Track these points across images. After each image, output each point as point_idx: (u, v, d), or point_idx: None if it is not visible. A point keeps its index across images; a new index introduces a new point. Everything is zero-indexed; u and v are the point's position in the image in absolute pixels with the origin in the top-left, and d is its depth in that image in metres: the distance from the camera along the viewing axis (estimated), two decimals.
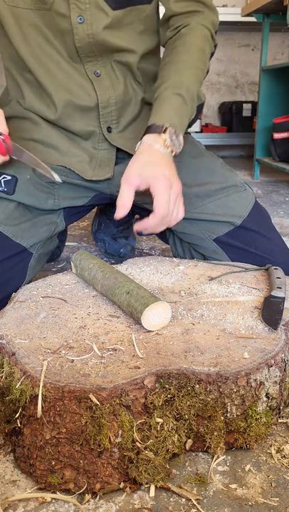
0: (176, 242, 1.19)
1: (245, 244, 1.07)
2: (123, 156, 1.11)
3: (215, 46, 1.10)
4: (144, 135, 0.96)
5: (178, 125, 0.96)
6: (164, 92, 0.98)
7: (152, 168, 0.91)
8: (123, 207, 0.91)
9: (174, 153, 0.96)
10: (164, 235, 1.26)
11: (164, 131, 0.94)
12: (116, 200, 1.16)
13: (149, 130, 0.96)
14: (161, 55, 1.09)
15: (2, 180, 1.03)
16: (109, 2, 0.98)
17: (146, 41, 1.08)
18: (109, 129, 1.09)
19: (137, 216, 1.40)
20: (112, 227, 1.53)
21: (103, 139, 1.10)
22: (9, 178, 1.04)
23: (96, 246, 1.59)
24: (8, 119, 1.09)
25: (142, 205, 1.11)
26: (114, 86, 1.06)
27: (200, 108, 1.12)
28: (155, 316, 0.77)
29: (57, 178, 0.97)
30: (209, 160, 1.15)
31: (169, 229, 1.17)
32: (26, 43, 1.02)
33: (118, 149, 1.11)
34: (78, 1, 0.96)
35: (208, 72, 1.09)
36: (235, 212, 1.07)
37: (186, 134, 1.16)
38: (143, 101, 1.11)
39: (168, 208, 0.90)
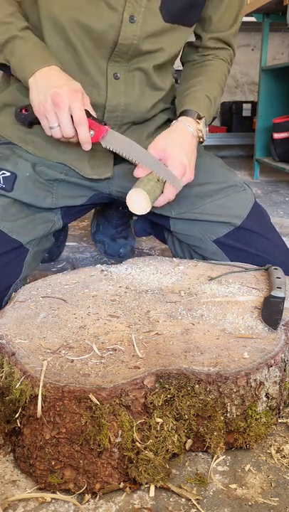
0: (176, 243, 1.19)
1: (245, 245, 1.07)
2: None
3: None
4: (179, 116, 1.04)
5: (208, 118, 1.05)
6: (197, 92, 1.07)
7: (178, 152, 0.97)
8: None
9: (201, 141, 1.04)
10: (163, 236, 1.26)
11: (200, 119, 1.03)
12: (115, 199, 1.16)
13: (185, 113, 1.03)
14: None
15: (1, 177, 1.02)
16: (163, 12, 0.99)
17: (173, 55, 1.10)
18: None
19: (135, 217, 1.41)
20: (110, 228, 1.52)
21: None
22: (8, 174, 1.03)
23: (95, 247, 1.58)
24: (4, 106, 1.09)
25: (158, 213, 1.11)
26: (128, 93, 1.05)
27: (212, 120, 1.17)
28: (137, 201, 0.93)
29: (177, 184, 0.97)
30: (208, 160, 1.15)
31: (168, 230, 1.17)
32: (55, 25, 0.98)
33: None
34: (136, 1, 0.96)
35: None
36: (234, 213, 1.08)
37: None
38: (154, 110, 1.12)
39: (173, 195, 0.98)
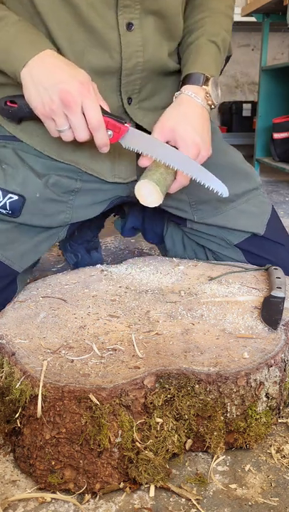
0: (175, 238, 1.14)
1: (265, 252, 1.05)
2: None
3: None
4: (182, 85, 0.90)
5: (216, 75, 0.91)
6: (200, 40, 0.93)
7: (187, 129, 0.86)
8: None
9: (213, 106, 0.92)
10: (157, 232, 1.20)
11: (206, 83, 0.89)
12: (132, 201, 0.99)
13: (189, 80, 0.90)
14: None
15: (8, 202, 0.88)
16: None
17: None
18: (129, 100, 0.92)
19: (117, 217, 1.29)
20: (87, 233, 1.32)
21: (123, 113, 0.93)
22: (16, 198, 0.88)
23: (64, 256, 1.40)
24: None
25: (173, 212, 1.04)
26: (146, 46, 0.88)
27: (227, 60, 1.04)
28: (147, 193, 0.85)
29: (223, 190, 0.86)
30: (232, 157, 1.07)
31: (175, 225, 1.10)
32: None
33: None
34: None
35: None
36: (256, 220, 1.04)
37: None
38: (171, 64, 0.96)
39: (187, 181, 0.89)
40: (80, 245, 1.34)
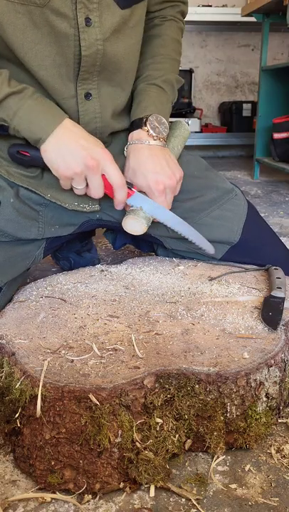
0: (167, 252, 1.12)
1: (250, 257, 1.04)
2: None
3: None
4: (129, 134, 0.97)
5: (159, 110, 0.97)
6: (140, 86, 0.99)
7: (142, 175, 0.93)
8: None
9: (161, 139, 0.96)
10: (147, 247, 1.20)
11: (145, 123, 0.95)
12: (105, 224, 1.06)
13: (132, 128, 0.97)
14: None
15: None
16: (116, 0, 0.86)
17: (138, 48, 0.98)
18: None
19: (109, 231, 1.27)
20: (76, 242, 1.34)
21: None
22: None
23: (58, 265, 1.42)
24: None
25: (155, 237, 1.06)
26: (103, 113, 0.94)
27: (180, 89, 1.08)
28: (132, 227, 0.94)
29: (210, 250, 0.98)
30: (193, 167, 1.07)
31: (162, 246, 1.10)
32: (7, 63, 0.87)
33: None
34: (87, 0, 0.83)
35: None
36: (232, 226, 1.02)
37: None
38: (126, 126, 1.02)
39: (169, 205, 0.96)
40: (71, 252, 1.36)
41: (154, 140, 0.95)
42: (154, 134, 0.95)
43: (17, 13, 0.81)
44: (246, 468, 0.68)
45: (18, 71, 0.88)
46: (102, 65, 0.90)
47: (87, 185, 0.88)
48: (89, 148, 0.85)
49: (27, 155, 0.90)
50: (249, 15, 2.84)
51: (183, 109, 3.81)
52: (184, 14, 1.09)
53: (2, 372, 0.70)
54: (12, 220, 0.93)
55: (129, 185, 0.93)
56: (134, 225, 0.94)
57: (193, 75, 4.02)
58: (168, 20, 1.05)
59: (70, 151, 0.84)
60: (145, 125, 0.95)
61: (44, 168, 0.93)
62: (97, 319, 0.81)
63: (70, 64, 0.87)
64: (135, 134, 0.97)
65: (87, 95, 0.92)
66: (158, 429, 0.64)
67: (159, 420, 0.64)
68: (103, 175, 0.87)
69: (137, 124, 0.96)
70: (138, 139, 0.96)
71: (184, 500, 0.63)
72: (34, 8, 0.81)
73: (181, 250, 1.07)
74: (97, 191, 0.88)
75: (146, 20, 1.02)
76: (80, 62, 0.87)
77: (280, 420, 0.76)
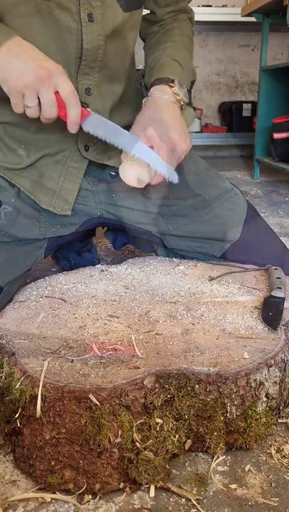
0: (167, 253, 1.12)
1: (249, 255, 1.04)
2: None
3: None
4: (150, 89, 0.95)
5: (182, 81, 0.96)
6: (163, 58, 0.98)
7: (162, 128, 0.89)
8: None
9: (182, 104, 0.95)
10: (148, 248, 1.20)
11: (172, 82, 0.93)
12: (107, 222, 1.05)
13: (155, 83, 0.94)
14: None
15: None
16: (121, 2, 0.89)
17: (133, 51, 1.01)
18: (86, 147, 0.97)
19: (108, 231, 1.26)
20: (76, 242, 1.33)
21: (78, 155, 0.97)
22: None
23: (58, 265, 1.42)
24: None
25: (148, 228, 1.05)
26: (103, 109, 0.94)
27: (191, 85, 1.08)
28: (133, 176, 0.88)
29: (173, 177, 0.89)
30: (194, 166, 1.08)
31: (163, 246, 1.10)
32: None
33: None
34: None
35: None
36: (232, 224, 1.03)
37: None
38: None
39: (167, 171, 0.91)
40: (71, 252, 1.35)
41: (177, 100, 0.94)
42: (179, 95, 0.93)
43: (25, 6, 0.83)
44: (246, 469, 0.68)
45: None
46: (102, 61, 0.91)
47: (39, 104, 0.82)
48: (40, 60, 0.80)
49: None
50: (249, 15, 2.84)
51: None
52: (193, 20, 1.12)
53: (2, 372, 0.70)
54: (14, 221, 0.92)
55: (84, 104, 0.87)
56: (131, 172, 0.88)
57: None
58: (181, 23, 1.07)
59: (21, 62, 0.79)
60: (172, 83, 0.93)
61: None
62: (97, 319, 0.81)
63: (72, 58, 0.88)
64: (159, 88, 0.93)
65: (88, 90, 0.92)
66: (158, 429, 0.64)
67: (159, 420, 0.64)
68: (57, 94, 0.81)
69: (164, 79, 0.94)
70: (162, 92, 0.93)
71: (184, 500, 0.63)
72: (40, 1, 0.83)
73: (181, 249, 1.07)
74: (50, 109, 0.81)
75: (160, 26, 1.07)
76: (82, 56, 0.88)
77: (280, 420, 0.76)
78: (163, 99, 0.92)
